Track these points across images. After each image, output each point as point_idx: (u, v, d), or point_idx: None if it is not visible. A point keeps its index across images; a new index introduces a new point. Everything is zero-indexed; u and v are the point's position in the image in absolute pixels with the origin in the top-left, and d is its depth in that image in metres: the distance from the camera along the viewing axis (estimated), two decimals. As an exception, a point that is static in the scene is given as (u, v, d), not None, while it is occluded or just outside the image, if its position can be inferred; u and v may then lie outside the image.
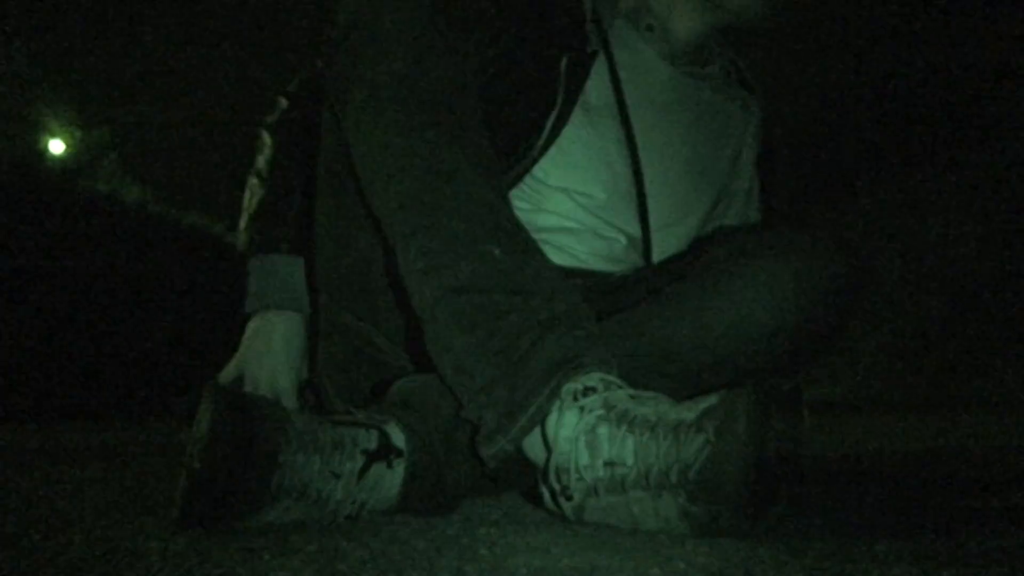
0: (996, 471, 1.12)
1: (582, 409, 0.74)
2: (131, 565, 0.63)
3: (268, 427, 0.73)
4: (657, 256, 1.13)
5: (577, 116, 1.09)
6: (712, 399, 0.70)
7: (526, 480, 0.85)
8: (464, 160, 0.84)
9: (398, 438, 0.82)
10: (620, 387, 0.77)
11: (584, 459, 0.73)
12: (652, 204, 1.12)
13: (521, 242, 0.85)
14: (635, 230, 1.13)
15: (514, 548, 0.67)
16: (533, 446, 0.78)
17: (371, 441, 0.79)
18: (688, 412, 0.70)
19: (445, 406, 0.84)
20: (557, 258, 1.08)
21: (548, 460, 0.76)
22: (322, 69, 0.96)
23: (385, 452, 0.80)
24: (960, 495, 0.90)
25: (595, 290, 1.07)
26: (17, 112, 5.61)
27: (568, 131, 1.09)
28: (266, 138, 1.17)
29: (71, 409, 4.00)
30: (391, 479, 0.80)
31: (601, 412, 0.73)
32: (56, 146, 5.89)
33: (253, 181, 1.15)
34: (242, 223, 1.14)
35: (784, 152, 1.24)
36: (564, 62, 1.07)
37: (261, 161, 1.16)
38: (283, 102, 1.18)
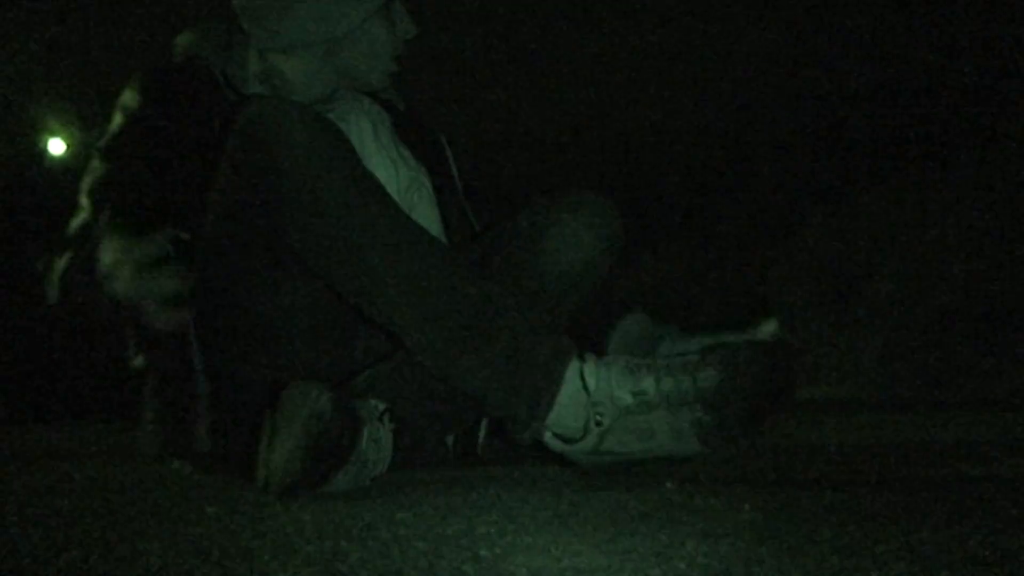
0: (996, 470, 1.12)
1: (608, 364, 0.97)
2: (131, 565, 0.63)
3: (357, 407, 0.95)
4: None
5: None
6: (710, 348, 0.97)
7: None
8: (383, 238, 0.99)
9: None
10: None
11: (617, 391, 0.95)
12: None
13: (475, 270, 1.03)
14: None
15: (514, 548, 0.67)
16: (574, 396, 0.96)
17: (382, 412, 1.00)
18: (691, 357, 0.97)
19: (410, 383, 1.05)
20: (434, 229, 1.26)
21: (587, 402, 0.96)
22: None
23: (390, 419, 1.01)
24: (960, 495, 0.90)
25: None
26: (17, 112, 5.61)
27: None
28: None
29: (71, 409, 4.00)
30: (388, 441, 1.00)
31: (623, 363, 0.97)
32: (56, 146, 5.88)
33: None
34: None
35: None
36: (217, 127, 1.15)
37: None
38: None
